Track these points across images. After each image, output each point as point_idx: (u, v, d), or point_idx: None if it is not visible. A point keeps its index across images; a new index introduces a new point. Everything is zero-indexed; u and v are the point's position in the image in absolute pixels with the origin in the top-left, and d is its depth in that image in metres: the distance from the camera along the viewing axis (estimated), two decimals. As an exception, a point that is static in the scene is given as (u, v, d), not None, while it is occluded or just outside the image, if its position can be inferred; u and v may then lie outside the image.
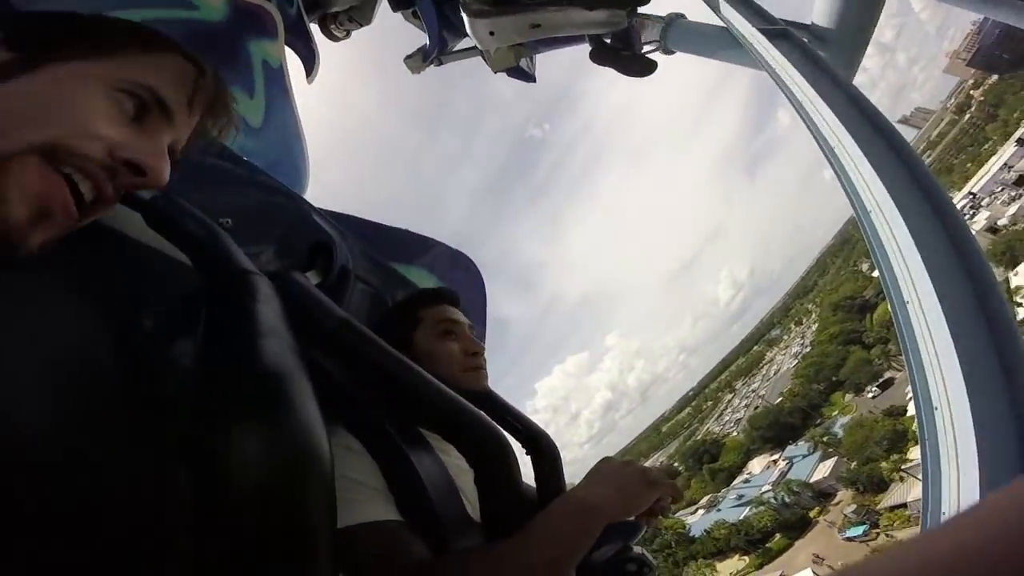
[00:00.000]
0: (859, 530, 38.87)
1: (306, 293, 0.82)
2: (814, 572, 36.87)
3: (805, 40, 3.75)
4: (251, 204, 0.95)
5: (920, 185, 2.27)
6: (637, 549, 1.18)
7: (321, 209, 1.16)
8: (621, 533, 1.13)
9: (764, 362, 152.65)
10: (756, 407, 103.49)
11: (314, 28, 3.03)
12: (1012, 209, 57.41)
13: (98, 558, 0.38)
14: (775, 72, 3.55)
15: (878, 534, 36.73)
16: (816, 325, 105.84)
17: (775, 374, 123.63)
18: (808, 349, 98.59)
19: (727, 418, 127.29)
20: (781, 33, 3.83)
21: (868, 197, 2.40)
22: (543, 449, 1.18)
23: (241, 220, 0.82)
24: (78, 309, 0.49)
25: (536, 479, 1.12)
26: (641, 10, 2.71)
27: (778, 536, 47.20)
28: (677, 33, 5.51)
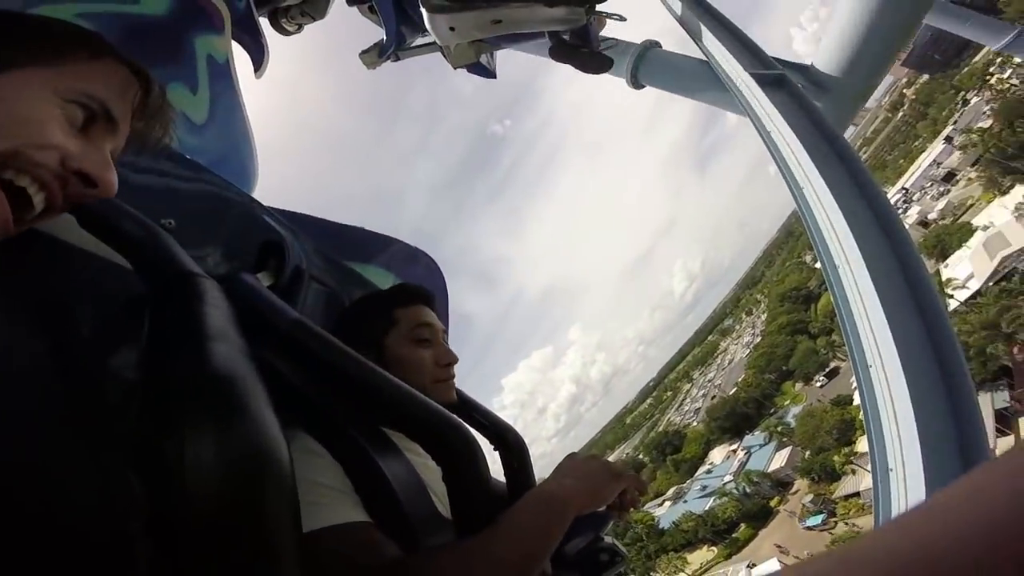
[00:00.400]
0: (818, 519, 40.64)
1: (257, 295, 0.80)
2: (780, 562, 38.45)
3: (801, 87, 3.41)
4: (195, 204, 0.92)
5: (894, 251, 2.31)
6: (608, 539, 1.20)
7: (272, 208, 1.13)
8: (591, 524, 1.14)
9: (719, 352, 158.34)
10: (713, 396, 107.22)
11: (264, 22, 2.93)
12: (941, 204, 61.23)
13: (56, 567, 0.37)
14: (761, 122, 3.19)
15: (836, 523, 38.47)
16: (765, 315, 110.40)
17: (729, 363, 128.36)
18: (759, 339, 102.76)
19: (687, 408, 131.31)
20: (777, 80, 3.43)
21: (850, 284, 2.33)
22: (510, 444, 1.19)
23: (185, 221, 0.79)
24: (6, 316, 0.46)
25: (505, 474, 1.13)
26: (599, 7, 2.75)
27: (743, 526, 48.96)
28: (650, 65, 4.94)
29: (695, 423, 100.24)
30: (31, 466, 0.38)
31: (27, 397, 0.42)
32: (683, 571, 46.98)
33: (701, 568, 47.31)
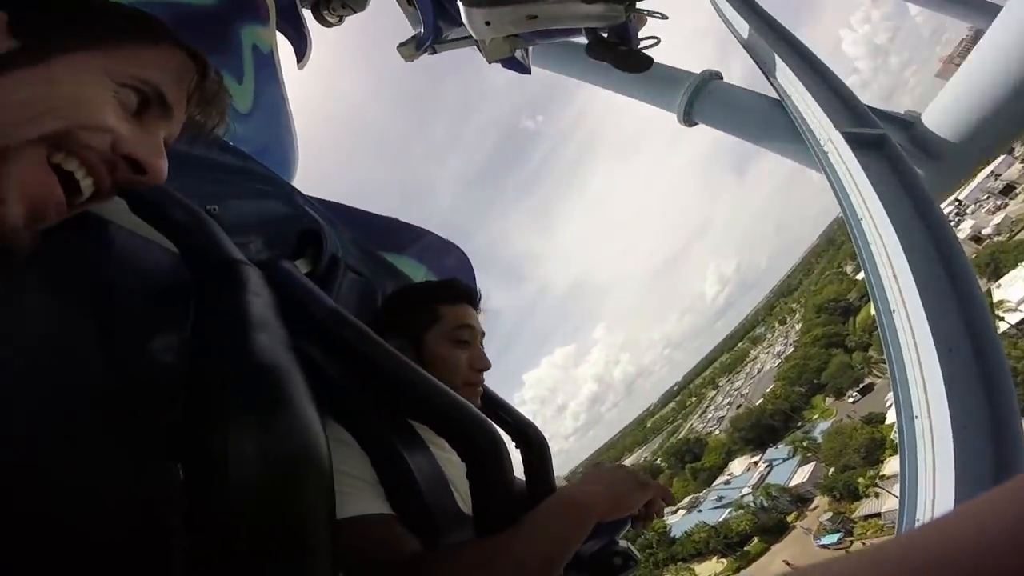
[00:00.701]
0: (834, 538, 39.79)
1: (296, 282, 0.81)
2: None
3: (901, 150, 2.77)
4: (239, 191, 0.93)
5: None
6: (623, 543, 1.20)
7: (310, 197, 1.15)
8: (608, 528, 1.13)
9: (748, 360, 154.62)
10: (739, 406, 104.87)
11: (307, 14, 2.99)
12: (997, 219, 58.00)
13: (92, 558, 0.37)
14: (843, 187, 2.64)
15: (852, 542, 37.56)
16: (800, 325, 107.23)
17: (758, 373, 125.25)
18: (791, 350, 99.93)
19: (710, 415, 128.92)
20: (876, 141, 2.77)
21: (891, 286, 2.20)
22: (532, 441, 1.19)
23: (229, 208, 0.81)
24: (58, 299, 0.47)
25: (525, 471, 1.12)
26: (639, 5, 2.70)
27: (756, 540, 48.05)
28: (709, 100, 4.13)
29: (718, 432, 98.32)
30: (71, 453, 0.39)
31: (70, 379, 0.43)
32: None
33: None
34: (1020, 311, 37.63)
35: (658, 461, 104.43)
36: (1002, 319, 36.40)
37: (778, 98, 3.67)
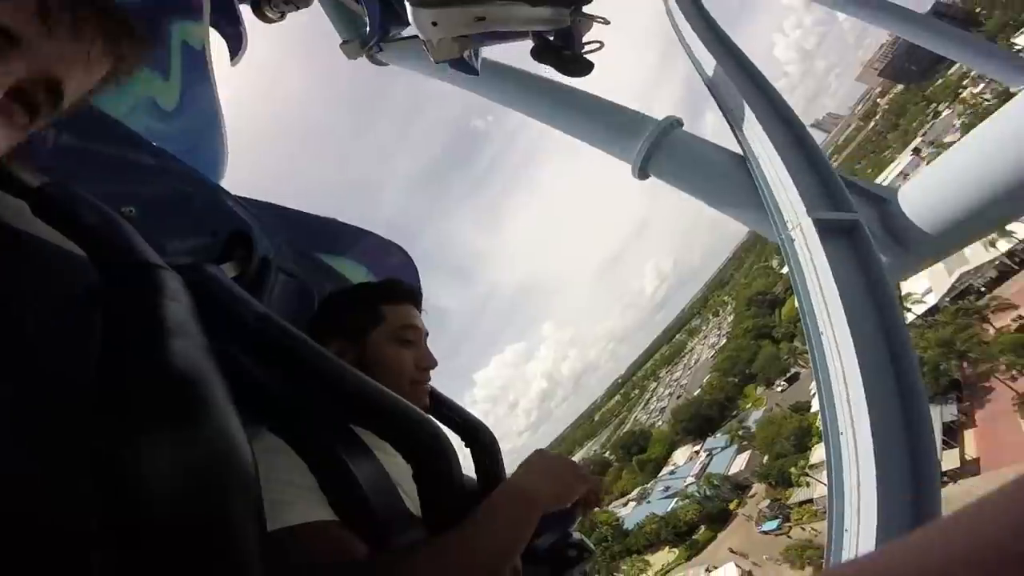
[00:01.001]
0: (774, 524, 42.35)
1: (221, 287, 0.78)
2: (737, 566, 39.79)
3: (871, 237, 2.65)
4: (159, 192, 0.88)
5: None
6: (576, 535, 1.23)
7: (240, 198, 1.10)
8: (560, 521, 1.17)
9: (685, 351, 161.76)
10: (679, 396, 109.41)
11: (246, 10, 2.86)
12: None
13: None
14: (803, 275, 2.57)
15: (790, 527, 40.13)
16: (732, 317, 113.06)
17: (695, 363, 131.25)
18: (724, 341, 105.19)
19: (653, 407, 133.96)
20: (848, 227, 2.66)
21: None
22: (482, 441, 1.19)
23: (147, 209, 0.76)
24: None
25: (476, 471, 1.13)
26: (585, 9, 2.75)
27: (703, 528, 50.37)
28: (668, 151, 3.51)
29: (660, 423, 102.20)
30: None
31: None
32: (645, 573, 47.87)
33: (663, 570, 48.24)
34: (925, 302, 41.58)
35: (607, 454, 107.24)
36: (909, 310, 40.03)
37: (743, 155, 3.29)
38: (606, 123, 4.03)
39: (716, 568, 41.32)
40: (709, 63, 3.90)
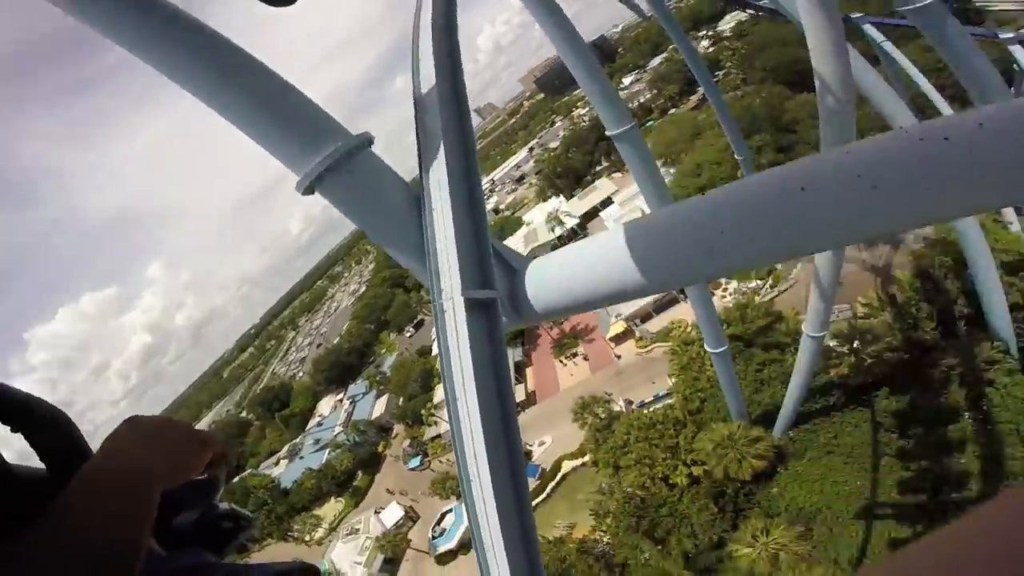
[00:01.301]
0: (417, 461, 47.50)
1: None
2: (398, 503, 43.38)
3: (502, 313, 3.23)
4: None
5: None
6: (224, 505, 1.11)
7: None
8: (199, 493, 1.08)
9: (326, 298, 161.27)
10: (319, 345, 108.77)
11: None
12: (510, 198, 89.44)
13: None
14: (447, 345, 2.99)
15: (430, 462, 45.69)
16: (372, 266, 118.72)
17: (335, 311, 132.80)
18: (364, 289, 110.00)
19: (292, 357, 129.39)
20: (488, 303, 3.16)
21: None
22: (38, 418, 0.87)
23: None
24: None
25: (41, 458, 0.87)
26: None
27: (360, 474, 52.49)
28: (349, 173, 3.11)
29: (301, 374, 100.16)
30: None
31: None
32: (319, 527, 46.86)
33: (336, 520, 48.53)
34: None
35: (244, 413, 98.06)
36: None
37: (420, 199, 3.27)
38: (286, 121, 3.21)
39: (383, 509, 43.72)
40: (429, 78, 3.64)
